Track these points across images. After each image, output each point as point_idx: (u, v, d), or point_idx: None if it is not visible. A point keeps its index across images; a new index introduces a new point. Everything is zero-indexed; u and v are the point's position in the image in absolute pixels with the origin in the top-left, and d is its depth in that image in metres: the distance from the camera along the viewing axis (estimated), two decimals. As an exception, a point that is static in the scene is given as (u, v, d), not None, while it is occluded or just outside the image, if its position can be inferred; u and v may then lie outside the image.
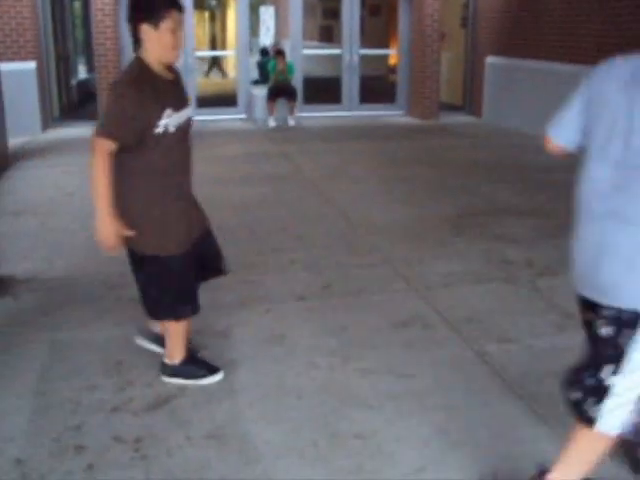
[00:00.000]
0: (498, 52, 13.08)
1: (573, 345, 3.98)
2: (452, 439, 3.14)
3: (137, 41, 3.24)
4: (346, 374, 3.73)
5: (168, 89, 3.32)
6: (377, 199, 7.44)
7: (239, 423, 3.28)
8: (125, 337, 4.09)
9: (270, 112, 12.76)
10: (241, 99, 13.84)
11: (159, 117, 3.21)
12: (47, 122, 12.47)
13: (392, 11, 15.51)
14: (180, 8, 3.23)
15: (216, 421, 3.29)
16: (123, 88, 3.21)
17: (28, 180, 8.55)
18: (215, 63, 20.97)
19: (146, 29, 3.16)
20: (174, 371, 3.65)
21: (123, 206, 3.29)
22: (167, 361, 3.68)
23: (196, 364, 3.72)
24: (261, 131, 12.24)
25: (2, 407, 3.42)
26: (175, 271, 3.45)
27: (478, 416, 3.32)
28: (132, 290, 4.80)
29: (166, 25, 3.16)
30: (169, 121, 3.24)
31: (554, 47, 11.26)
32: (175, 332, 3.61)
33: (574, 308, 4.40)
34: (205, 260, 3.63)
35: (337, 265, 5.38)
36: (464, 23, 14.55)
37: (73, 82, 15.95)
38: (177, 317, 3.56)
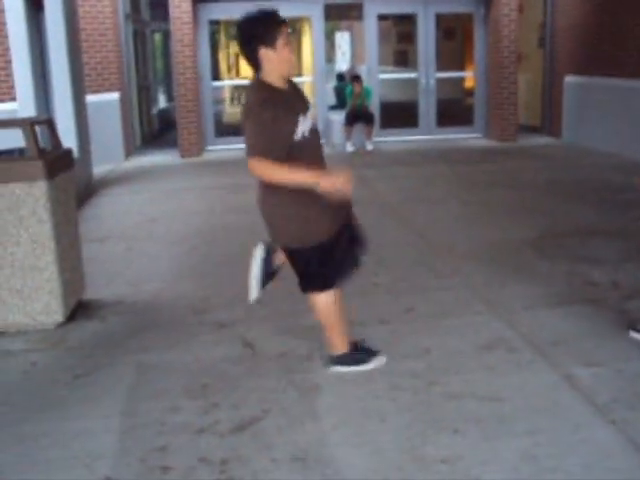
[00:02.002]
0: (577, 71, 12.87)
1: (667, 369, 3.89)
2: (541, 466, 3.05)
3: (255, 65, 3.48)
4: (430, 397, 3.69)
5: (293, 99, 3.57)
6: (457, 222, 7.38)
7: (323, 446, 3.27)
8: (210, 360, 4.14)
9: (348, 137, 12.84)
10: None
11: (296, 125, 3.45)
12: (130, 150, 12.84)
13: (467, 34, 15.45)
14: (286, 23, 3.49)
15: (300, 444, 3.28)
16: (257, 109, 3.43)
17: (113, 207, 8.79)
18: None
19: (265, 52, 3.42)
20: (340, 360, 3.95)
21: (271, 209, 3.66)
22: (334, 353, 3.97)
23: (358, 352, 4.02)
24: (339, 156, 12.30)
25: (92, 426, 3.50)
26: (319, 256, 3.68)
27: (568, 442, 3.22)
28: (216, 315, 4.90)
29: (281, 42, 3.42)
30: (303, 127, 3.50)
31: (635, 64, 11.02)
32: (328, 322, 3.88)
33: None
34: (354, 239, 3.90)
35: (418, 288, 5.34)
36: (541, 43, 14.39)
37: (154, 111, 16.40)
38: (323, 287, 3.78)
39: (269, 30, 3.41)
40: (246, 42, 3.46)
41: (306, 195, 3.48)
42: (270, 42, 3.40)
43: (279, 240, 3.77)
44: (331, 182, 3.40)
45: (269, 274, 4.00)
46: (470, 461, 3.11)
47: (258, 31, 3.42)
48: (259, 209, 3.74)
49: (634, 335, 4.27)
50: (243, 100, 3.66)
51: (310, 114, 3.63)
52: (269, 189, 3.58)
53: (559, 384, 3.79)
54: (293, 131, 3.44)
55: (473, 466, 3.07)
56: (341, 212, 3.75)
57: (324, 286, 3.78)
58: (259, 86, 3.51)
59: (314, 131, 3.64)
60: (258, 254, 3.95)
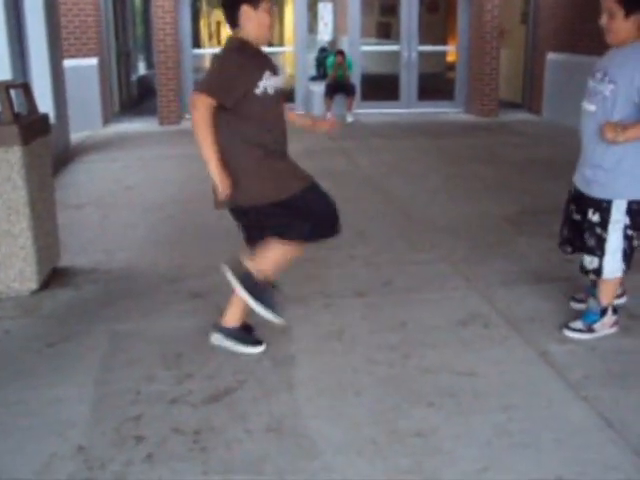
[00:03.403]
0: (559, 48, 12.86)
1: (639, 347, 3.92)
2: (514, 440, 3.07)
3: (234, 24, 3.53)
4: (405, 371, 3.69)
5: (265, 58, 3.62)
6: (436, 196, 7.38)
7: (298, 418, 3.27)
8: (184, 330, 4.11)
9: (328, 108, 12.76)
10: (299, 95, 13.87)
11: (260, 78, 3.48)
12: (108, 117, 12.69)
13: (451, 7, 15.37)
14: None
15: (275, 415, 3.28)
16: (226, 54, 3.53)
17: (89, 173, 8.69)
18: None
19: (246, 10, 3.46)
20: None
21: (229, 164, 3.52)
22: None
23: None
24: (318, 127, 12.23)
25: (65, 394, 3.47)
26: (296, 206, 3.60)
27: (540, 418, 3.24)
28: (190, 283, 4.87)
29: (264, 6, 3.49)
30: (268, 83, 3.51)
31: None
32: (268, 265, 3.69)
33: (641, 309, 4.34)
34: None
35: (397, 262, 5.34)
36: (524, 19, 14.36)
37: (133, 78, 16.20)
38: (305, 236, 3.67)
39: None
40: None
41: (272, 154, 3.58)
42: (253, 2, 3.46)
43: (251, 200, 3.59)
44: (220, 181, 3.44)
45: (266, 291, 3.77)
46: (444, 434, 3.12)
47: None
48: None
49: (574, 305, 4.39)
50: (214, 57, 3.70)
51: (280, 78, 3.66)
52: (235, 151, 3.53)
53: (534, 360, 3.81)
54: (255, 83, 3.46)
55: (447, 439, 3.08)
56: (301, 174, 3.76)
57: (306, 235, 3.66)
58: (234, 40, 3.56)
59: (277, 92, 3.63)
60: (233, 279, 3.72)
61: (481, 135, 11.52)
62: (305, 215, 3.63)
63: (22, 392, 3.50)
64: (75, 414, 3.31)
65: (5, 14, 8.81)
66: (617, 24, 3.72)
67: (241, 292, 3.66)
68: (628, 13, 3.66)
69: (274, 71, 3.62)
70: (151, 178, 8.38)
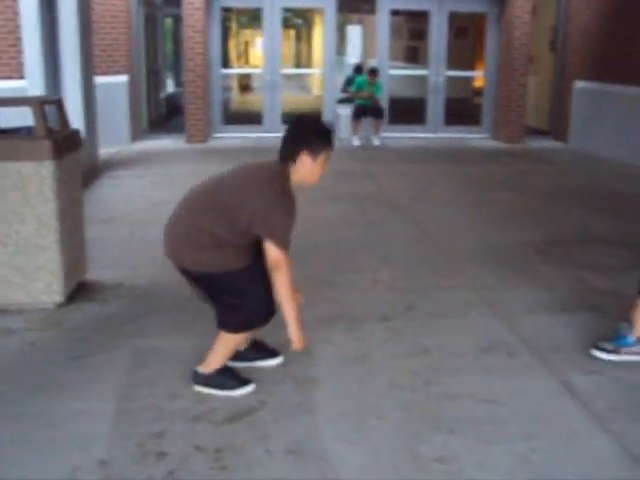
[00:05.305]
0: (588, 77, 12.84)
1: (668, 380, 3.89)
2: (536, 471, 3.05)
3: (290, 158, 3.55)
4: (428, 397, 3.68)
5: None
6: (462, 222, 7.37)
7: (318, 440, 3.27)
8: (207, 348, 4.12)
9: (355, 131, 12.81)
10: (326, 118, 13.93)
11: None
12: (136, 134, 12.81)
13: (479, 34, 15.43)
14: (333, 148, 3.64)
15: (296, 437, 3.28)
16: (282, 198, 3.49)
17: (117, 189, 8.77)
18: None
19: (305, 157, 3.54)
20: (206, 380, 3.72)
21: (205, 254, 3.68)
22: (202, 370, 3.74)
23: (228, 375, 3.78)
24: (345, 150, 12.28)
25: (88, 408, 3.50)
26: (246, 281, 3.62)
27: (564, 450, 3.22)
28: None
29: (321, 159, 3.57)
30: None
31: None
32: (231, 343, 3.73)
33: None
34: None
35: (421, 287, 5.33)
36: (553, 46, 14.35)
37: (161, 96, 16.35)
38: (249, 327, 3.74)
39: (321, 144, 3.55)
40: (298, 137, 3.55)
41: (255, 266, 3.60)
42: (315, 153, 3.52)
43: (196, 268, 3.69)
44: (300, 341, 3.54)
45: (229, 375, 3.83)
46: (465, 462, 3.10)
47: (314, 138, 3.55)
48: (175, 244, 3.96)
49: (595, 353, 4.17)
50: (256, 172, 3.66)
51: None
52: (215, 243, 3.64)
53: (557, 390, 3.79)
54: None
55: (468, 467, 3.07)
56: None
57: (248, 322, 3.70)
58: (281, 174, 3.56)
59: None
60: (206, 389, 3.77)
61: (507, 162, 11.51)
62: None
63: (46, 405, 3.53)
64: (98, 428, 3.33)
65: (41, 32, 8.98)
66: None
67: (213, 391, 3.72)
68: None
69: None
70: (178, 195, 8.31)
